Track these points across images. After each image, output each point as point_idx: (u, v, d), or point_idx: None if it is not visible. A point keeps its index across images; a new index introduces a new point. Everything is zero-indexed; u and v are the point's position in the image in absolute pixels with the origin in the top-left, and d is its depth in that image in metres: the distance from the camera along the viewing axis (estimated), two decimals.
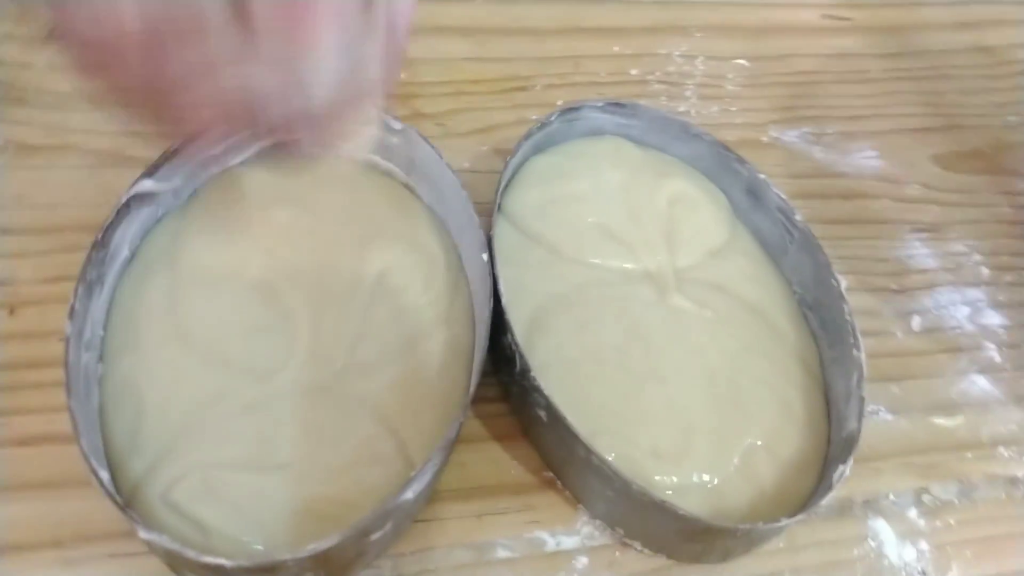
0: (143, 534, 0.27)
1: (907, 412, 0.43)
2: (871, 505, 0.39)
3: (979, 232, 0.52)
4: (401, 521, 0.33)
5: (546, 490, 0.37)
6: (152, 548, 0.30)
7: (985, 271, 0.50)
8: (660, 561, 0.36)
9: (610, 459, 0.32)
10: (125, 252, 0.37)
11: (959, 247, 0.51)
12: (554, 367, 0.37)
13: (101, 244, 0.35)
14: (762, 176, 0.43)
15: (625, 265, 0.41)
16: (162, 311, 0.36)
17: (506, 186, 0.42)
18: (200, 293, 0.36)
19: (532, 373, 0.34)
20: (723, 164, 0.44)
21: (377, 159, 0.42)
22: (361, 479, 0.33)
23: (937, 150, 0.56)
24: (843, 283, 0.40)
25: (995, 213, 0.53)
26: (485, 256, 0.37)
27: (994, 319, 0.47)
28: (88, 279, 0.34)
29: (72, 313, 0.32)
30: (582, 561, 0.36)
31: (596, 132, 0.46)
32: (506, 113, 0.51)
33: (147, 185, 0.37)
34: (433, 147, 0.40)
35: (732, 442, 0.36)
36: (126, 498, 0.31)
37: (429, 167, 0.41)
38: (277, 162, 0.41)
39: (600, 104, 0.45)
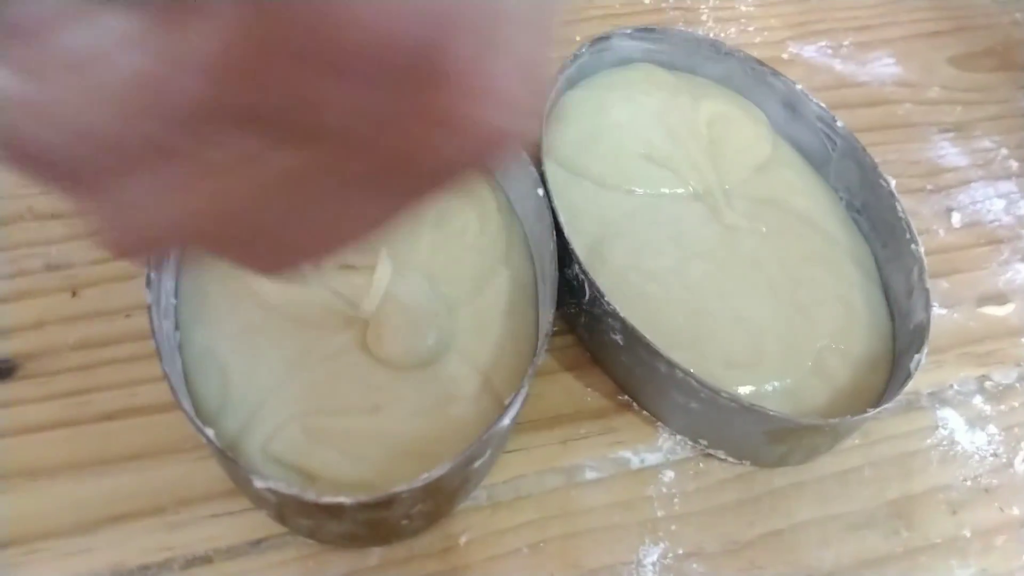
0: (259, 483, 0.28)
1: (959, 305, 0.43)
2: (937, 396, 0.40)
3: (1003, 127, 0.52)
4: (497, 449, 0.33)
5: (624, 412, 0.38)
6: (261, 501, 0.30)
7: (1014, 164, 0.50)
8: (744, 468, 0.37)
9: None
10: None
11: (986, 143, 0.51)
12: (618, 293, 0.37)
13: None
14: (799, 87, 0.43)
15: (674, 190, 0.41)
16: (232, 274, 0.36)
17: (545, 124, 0.42)
18: None
19: (606, 298, 0.34)
20: (758, 79, 0.45)
21: None
22: (453, 416, 0.34)
23: (952, 52, 0.56)
24: (892, 182, 0.40)
25: (1015, 108, 0.54)
26: (540, 191, 0.37)
27: None
28: None
29: (149, 282, 0.32)
30: (668, 475, 0.37)
31: (625, 61, 0.46)
32: None
33: None
34: None
35: (802, 346, 0.37)
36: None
37: None
38: None
39: (628, 31, 0.45)
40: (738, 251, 0.40)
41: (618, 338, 0.35)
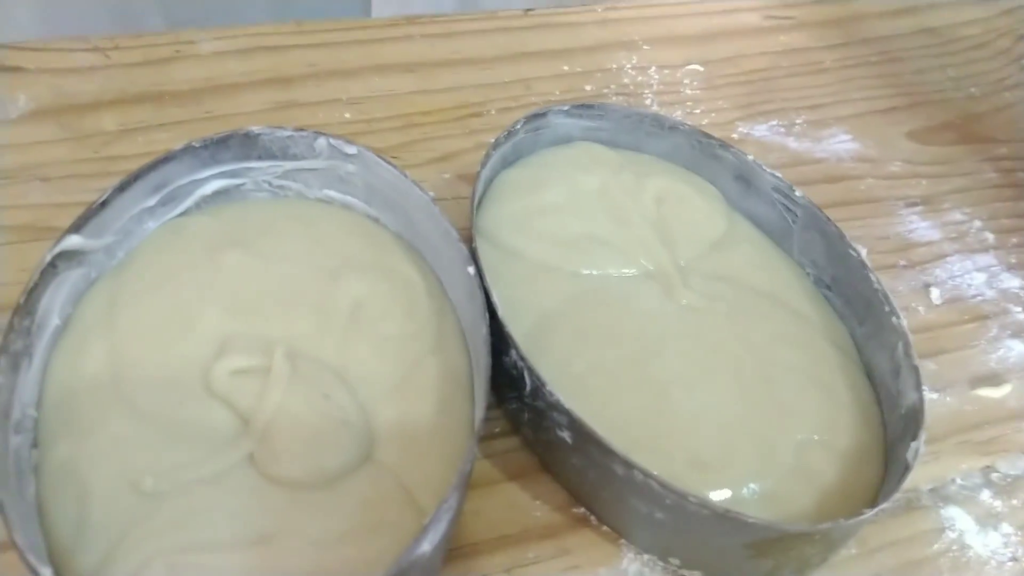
0: None
1: (950, 388, 0.39)
2: (939, 493, 0.35)
3: (972, 199, 0.49)
4: None
5: (580, 528, 0.32)
6: None
7: (990, 236, 0.47)
8: None
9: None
10: (56, 321, 0.32)
11: (957, 215, 0.48)
12: (563, 386, 0.32)
13: (25, 310, 0.29)
14: (750, 158, 0.40)
15: (622, 270, 0.37)
16: (104, 382, 0.30)
17: (478, 204, 0.38)
18: (146, 357, 0.31)
19: (548, 387, 0.29)
20: (706, 153, 0.41)
21: (332, 193, 0.38)
22: (365, 546, 0.28)
23: (909, 127, 0.54)
24: (862, 251, 0.36)
25: (982, 180, 0.51)
26: (471, 269, 0.32)
27: (1012, 282, 0.44)
28: (12, 350, 0.28)
29: None
30: None
31: (564, 139, 0.43)
32: (462, 140, 0.47)
33: (74, 241, 0.32)
34: (393, 165, 0.36)
35: (780, 440, 0.32)
36: None
37: (391, 190, 0.36)
38: (221, 209, 0.37)
39: (566, 108, 0.42)
40: (699, 335, 0.35)
41: (566, 435, 0.30)
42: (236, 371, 0.31)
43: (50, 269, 0.31)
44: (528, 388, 0.31)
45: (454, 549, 0.31)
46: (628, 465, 0.28)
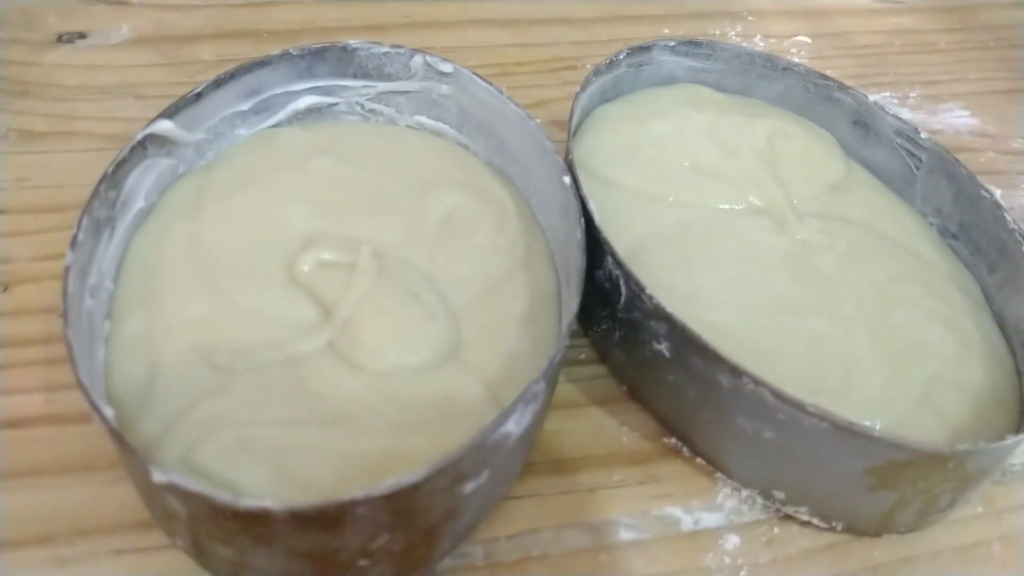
0: (158, 476, 0.20)
1: None
2: None
3: None
4: (499, 476, 0.25)
5: (671, 458, 0.29)
6: (169, 519, 0.22)
7: None
8: (835, 535, 0.28)
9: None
10: (141, 203, 0.31)
11: None
12: (664, 297, 0.29)
13: (112, 182, 0.29)
14: (872, 99, 0.37)
15: (731, 205, 0.35)
16: (185, 263, 0.29)
17: (574, 133, 0.36)
18: (231, 245, 0.30)
19: (647, 291, 0.27)
20: (822, 96, 0.39)
21: (423, 119, 0.37)
22: (442, 435, 0.25)
23: None
24: (996, 192, 0.33)
25: None
26: (567, 179, 0.30)
27: None
28: (96, 215, 0.28)
29: (74, 244, 0.26)
30: (732, 541, 0.27)
31: (668, 80, 0.41)
32: (556, 89, 0.46)
33: (165, 127, 0.31)
34: (490, 83, 0.34)
35: (906, 373, 0.29)
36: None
37: (485, 110, 0.35)
38: (313, 124, 0.36)
39: (672, 44, 0.40)
40: (813, 268, 0.32)
41: (663, 348, 0.27)
42: (322, 263, 0.29)
43: (139, 148, 0.30)
44: (623, 299, 0.28)
45: (534, 464, 0.28)
46: (736, 372, 0.25)
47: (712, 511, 0.28)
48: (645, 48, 0.39)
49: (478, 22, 0.50)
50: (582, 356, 0.32)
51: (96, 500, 0.25)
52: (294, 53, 0.34)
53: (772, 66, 0.40)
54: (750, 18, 0.54)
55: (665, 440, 0.30)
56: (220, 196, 0.32)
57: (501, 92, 0.34)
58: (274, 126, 0.35)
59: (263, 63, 0.34)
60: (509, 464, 0.25)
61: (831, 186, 0.36)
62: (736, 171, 0.36)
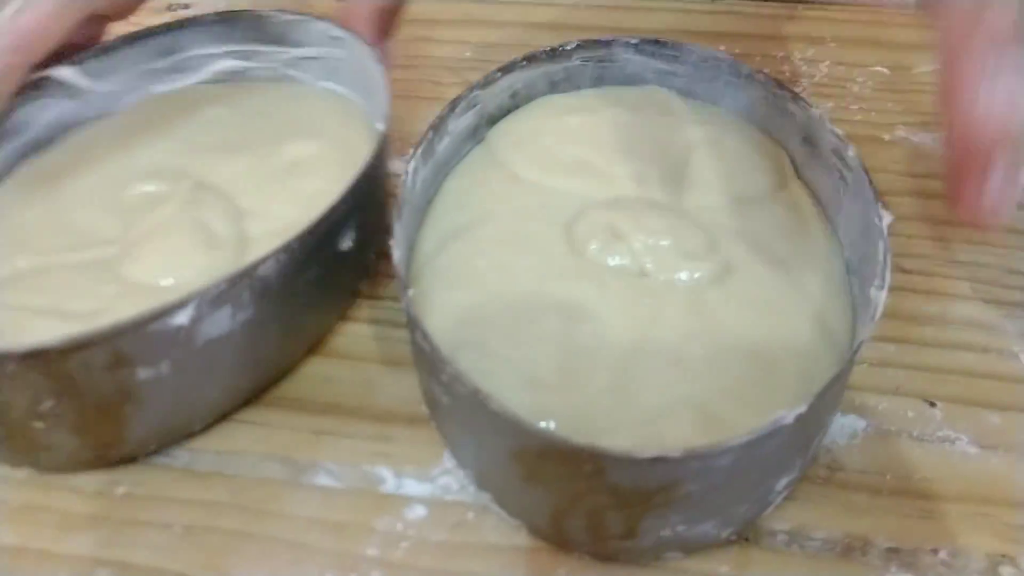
0: None
1: (1004, 450, 0.27)
2: (902, 557, 0.25)
3: None
4: (187, 373, 0.26)
5: (417, 425, 0.28)
6: None
7: None
8: (523, 539, 0.25)
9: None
10: (34, 134, 0.35)
11: None
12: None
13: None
14: (817, 112, 0.33)
15: (595, 193, 0.32)
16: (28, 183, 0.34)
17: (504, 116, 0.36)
18: (87, 174, 0.34)
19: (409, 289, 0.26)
20: (779, 107, 0.35)
21: (329, 84, 0.38)
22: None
23: None
24: (886, 219, 0.27)
25: None
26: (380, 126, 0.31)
27: None
28: None
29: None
30: (417, 511, 0.26)
31: (633, 81, 0.39)
32: None
33: (64, 73, 0.34)
34: (373, 47, 0.34)
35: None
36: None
37: (371, 72, 0.34)
38: (230, 83, 0.38)
39: (635, 41, 0.37)
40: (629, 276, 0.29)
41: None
42: (146, 193, 0.32)
43: (32, 87, 0.33)
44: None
45: (279, 397, 0.29)
46: (443, 362, 0.23)
47: (422, 481, 0.27)
48: (604, 43, 0.37)
49: (529, 26, 0.51)
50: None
51: None
52: (208, 18, 0.37)
53: (736, 73, 0.36)
54: (831, 44, 0.49)
55: (421, 408, 0.29)
56: (109, 140, 0.35)
57: (374, 52, 0.34)
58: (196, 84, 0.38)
59: (178, 25, 0.36)
60: (203, 364, 0.26)
61: (740, 199, 0.32)
62: (628, 167, 0.33)
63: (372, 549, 0.25)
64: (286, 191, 0.32)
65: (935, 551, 0.25)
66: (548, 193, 0.32)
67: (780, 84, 0.34)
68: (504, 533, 0.25)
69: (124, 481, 0.27)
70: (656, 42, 0.37)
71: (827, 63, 0.48)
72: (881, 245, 0.26)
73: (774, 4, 0.53)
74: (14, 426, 0.25)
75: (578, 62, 0.38)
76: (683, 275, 0.29)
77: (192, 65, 0.38)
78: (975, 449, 0.27)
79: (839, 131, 0.32)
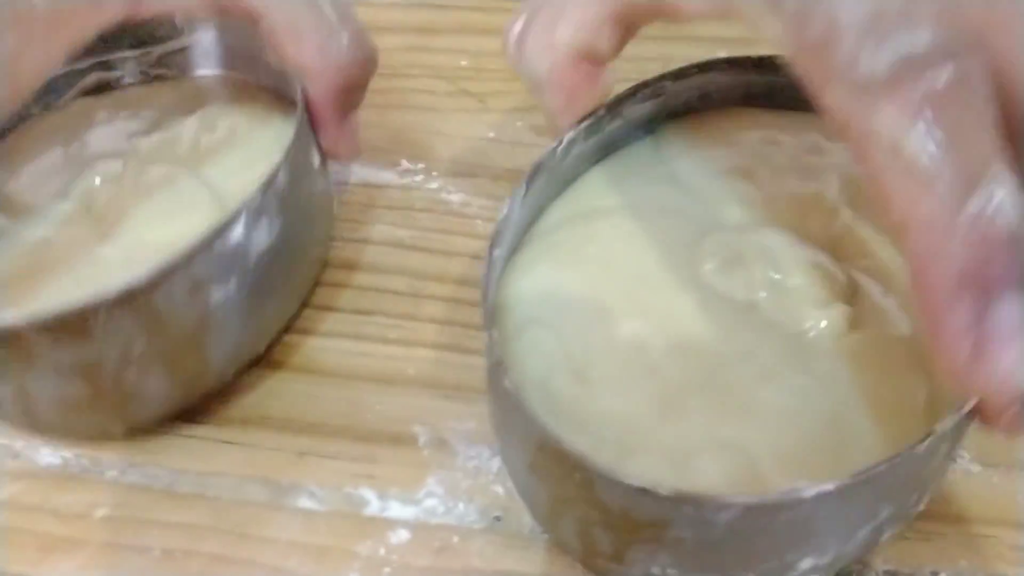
0: None
1: (1007, 468, 0.26)
2: None
3: None
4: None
5: (403, 446, 0.28)
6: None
7: None
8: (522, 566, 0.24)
9: None
10: None
11: None
12: None
13: None
14: None
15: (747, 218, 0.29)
16: None
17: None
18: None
19: None
20: None
21: (205, 71, 0.37)
22: None
23: None
24: None
25: None
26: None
27: None
28: None
29: None
30: (401, 535, 0.25)
31: None
32: None
33: None
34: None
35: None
36: None
37: (249, 48, 0.34)
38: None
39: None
40: None
41: None
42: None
43: None
44: None
45: (268, 418, 0.28)
46: None
47: (407, 504, 0.26)
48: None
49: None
50: None
51: None
52: None
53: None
54: None
55: (407, 427, 0.28)
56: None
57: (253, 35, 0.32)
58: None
59: None
60: (257, 279, 0.27)
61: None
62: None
63: (354, 574, 0.24)
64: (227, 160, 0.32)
65: (935, 574, 0.24)
66: (698, 203, 0.30)
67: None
68: (489, 558, 0.24)
69: (104, 503, 0.26)
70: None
71: None
72: None
73: None
74: (106, 382, 0.25)
75: (784, 79, 0.32)
76: (807, 323, 0.25)
77: (61, 86, 0.35)
78: (978, 467, 0.26)
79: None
